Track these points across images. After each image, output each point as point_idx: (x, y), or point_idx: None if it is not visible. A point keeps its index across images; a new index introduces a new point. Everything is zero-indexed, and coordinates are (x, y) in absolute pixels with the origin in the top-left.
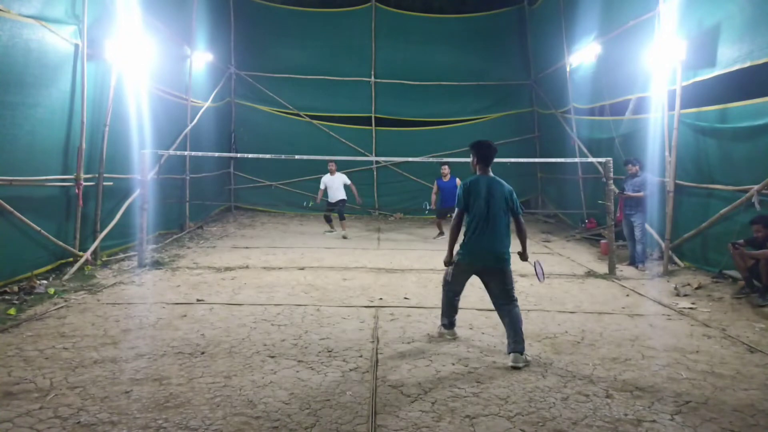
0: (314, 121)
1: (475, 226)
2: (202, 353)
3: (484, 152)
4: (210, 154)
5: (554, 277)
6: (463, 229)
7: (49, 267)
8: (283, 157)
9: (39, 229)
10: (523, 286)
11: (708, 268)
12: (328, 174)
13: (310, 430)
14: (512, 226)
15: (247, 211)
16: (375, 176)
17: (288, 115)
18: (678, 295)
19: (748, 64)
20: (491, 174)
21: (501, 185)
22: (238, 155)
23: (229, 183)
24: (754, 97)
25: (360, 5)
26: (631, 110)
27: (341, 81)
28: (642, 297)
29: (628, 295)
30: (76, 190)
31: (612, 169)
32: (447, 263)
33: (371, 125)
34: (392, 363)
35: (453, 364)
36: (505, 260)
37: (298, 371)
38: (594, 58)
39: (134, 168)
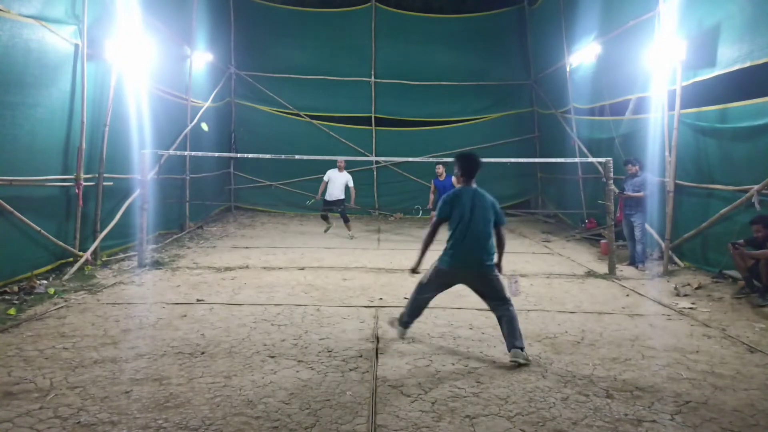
0: (314, 121)
1: (458, 235)
2: (202, 353)
3: (468, 165)
4: (210, 154)
5: (554, 277)
6: (445, 239)
7: (49, 267)
8: (283, 157)
9: (39, 229)
10: (523, 286)
11: (708, 268)
12: (336, 169)
13: (310, 430)
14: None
15: (247, 211)
16: (375, 176)
17: (288, 115)
18: (678, 295)
19: (748, 64)
20: (475, 186)
21: (484, 196)
22: (238, 155)
23: (229, 183)
24: (754, 97)
25: (360, 5)
26: (631, 110)
27: (341, 81)
28: (642, 297)
29: (628, 295)
30: (76, 190)
31: (612, 169)
32: (413, 271)
33: (371, 125)
34: (392, 363)
35: (453, 364)
36: (488, 265)
37: (298, 371)
38: (594, 58)
39: (134, 168)
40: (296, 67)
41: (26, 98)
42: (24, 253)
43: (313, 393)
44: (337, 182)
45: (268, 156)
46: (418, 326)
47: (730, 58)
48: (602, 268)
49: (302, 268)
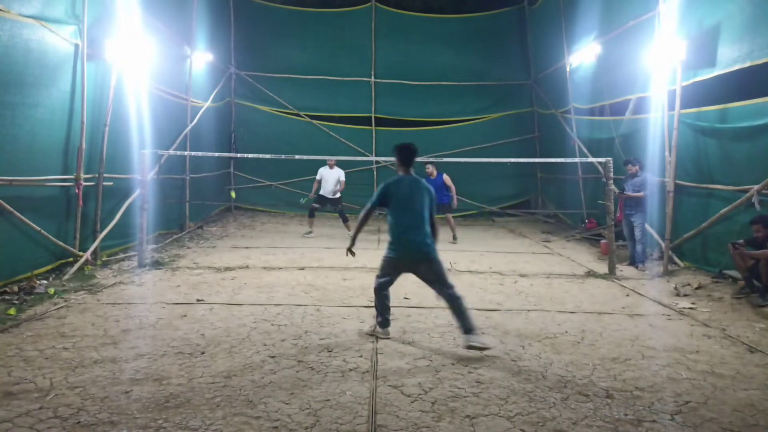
0: (314, 121)
1: (399, 223)
2: (202, 353)
3: (405, 155)
4: (210, 154)
5: (554, 277)
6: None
7: (49, 267)
8: (283, 157)
9: (39, 229)
10: (523, 286)
11: (708, 268)
12: (326, 167)
13: (310, 430)
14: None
15: (247, 211)
16: (375, 176)
17: (288, 115)
18: (678, 295)
19: (748, 64)
20: (413, 174)
21: (420, 182)
22: (238, 155)
23: (229, 183)
24: (754, 97)
25: (360, 5)
26: (631, 110)
27: (341, 81)
28: (642, 297)
29: (628, 295)
30: (76, 190)
31: (612, 169)
32: (349, 249)
33: (371, 125)
34: (392, 363)
35: (453, 364)
36: (429, 251)
37: (298, 371)
38: (594, 58)
39: (134, 168)
40: (296, 67)
41: (26, 98)
42: (24, 253)
43: (313, 393)
44: (330, 179)
45: (268, 156)
46: (418, 326)
47: (730, 58)
48: (602, 268)
49: (302, 268)
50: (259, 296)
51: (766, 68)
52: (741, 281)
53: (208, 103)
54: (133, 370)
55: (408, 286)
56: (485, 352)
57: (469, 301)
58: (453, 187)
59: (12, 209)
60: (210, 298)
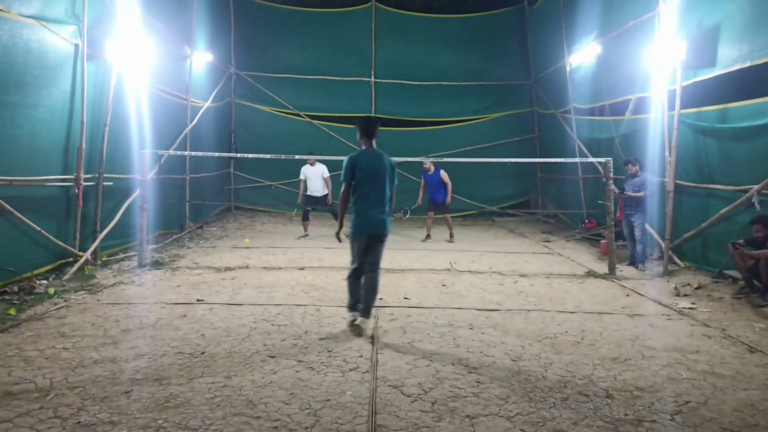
0: (314, 121)
1: (363, 199)
2: (202, 353)
3: (367, 126)
4: (210, 154)
5: (554, 277)
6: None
7: (49, 267)
8: (283, 157)
9: (39, 229)
10: (523, 286)
11: (708, 268)
12: (308, 165)
13: (310, 430)
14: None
15: (247, 211)
16: None
17: (288, 115)
18: (678, 295)
19: (748, 64)
20: (375, 147)
21: (383, 157)
22: (238, 155)
23: (229, 183)
24: (754, 97)
25: (360, 5)
26: (631, 110)
27: (341, 81)
28: (642, 297)
29: (628, 295)
30: (76, 190)
31: (612, 169)
32: (336, 235)
33: None
34: (392, 363)
35: (453, 364)
36: (386, 231)
37: (298, 371)
38: (594, 58)
39: (134, 168)
40: (296, 67)
41: (26, 98)
42: (24, 253)
43: (313, 393)
44: (314, 177)
45: (268, 156)
46: (418, 326)
47: (730, 58)
48: (602, 268)
49: (302, 268)
50: (259, 296)
51: (766, 68)
52: (741, 281)
53: (208, 103)
54: (133, 370)
55: (408, 286)
56: (355, 335)
57: (470, 301)
58: (449, 184)
59: (12, 209)
60: (210, 298)
